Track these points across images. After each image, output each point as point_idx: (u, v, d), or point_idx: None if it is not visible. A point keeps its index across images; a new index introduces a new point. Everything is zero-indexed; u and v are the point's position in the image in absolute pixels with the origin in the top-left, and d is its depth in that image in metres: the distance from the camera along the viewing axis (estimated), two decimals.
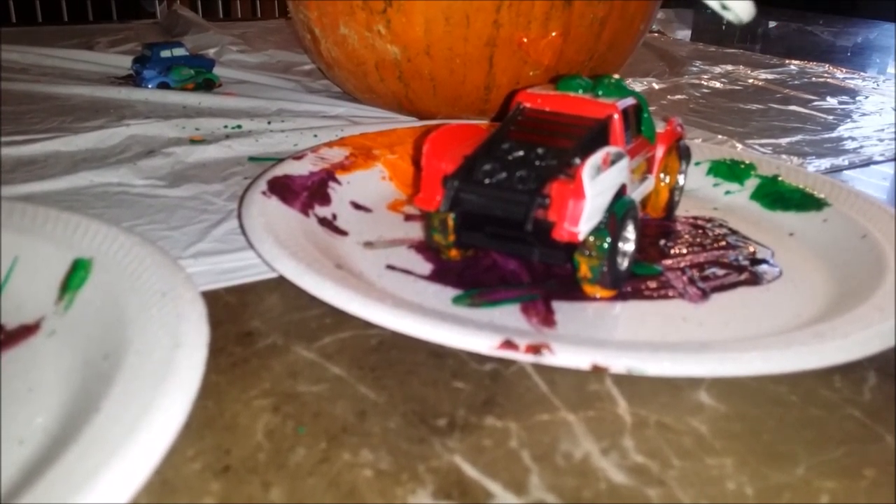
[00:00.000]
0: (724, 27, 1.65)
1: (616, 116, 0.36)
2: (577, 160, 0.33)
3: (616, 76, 0.39)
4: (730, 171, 0.48)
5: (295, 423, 0.25)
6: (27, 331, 0.29)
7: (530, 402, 0.27)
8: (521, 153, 0.34)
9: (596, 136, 0.35)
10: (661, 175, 0.42)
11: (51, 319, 0.29)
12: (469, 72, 0.55)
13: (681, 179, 0.44)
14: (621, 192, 0.34)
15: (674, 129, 0.42)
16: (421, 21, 0.53)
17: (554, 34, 0.53)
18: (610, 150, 0.33)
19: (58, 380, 0.26)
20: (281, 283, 0.33)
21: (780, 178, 0.46)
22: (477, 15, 0.52)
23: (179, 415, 0.21)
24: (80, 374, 0.25)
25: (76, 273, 0.30)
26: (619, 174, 0.33)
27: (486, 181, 0.33)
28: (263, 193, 0.38)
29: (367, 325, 0.29)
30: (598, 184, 0.31)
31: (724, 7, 0.38)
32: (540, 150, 0.34)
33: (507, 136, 0.35)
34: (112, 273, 0.30)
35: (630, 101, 0.38)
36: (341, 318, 0.31)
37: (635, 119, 0.39)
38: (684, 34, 1.48)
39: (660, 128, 0.41)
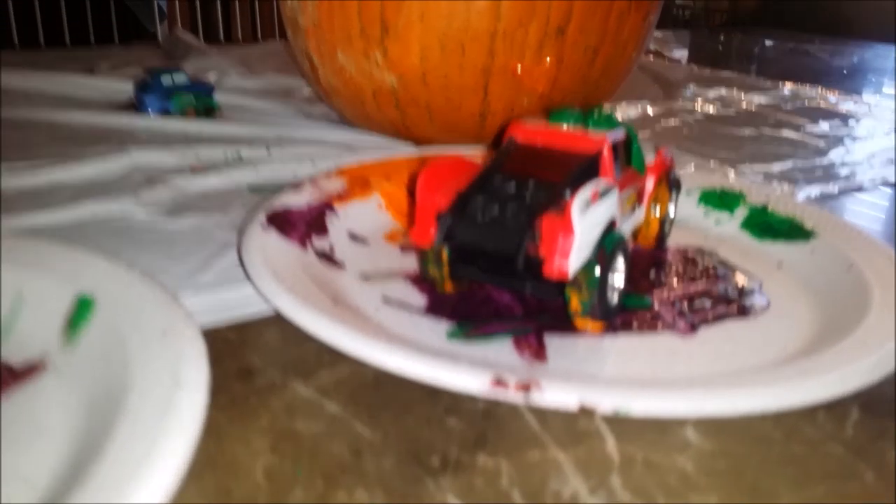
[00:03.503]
0: (720, 47, 1.66)
1: (605, 150, 0.37)
2: (568, 195, 0.34)
3: (606, 108, 0.40)
4: (720, 200, 0.48)
5: (293, 462, 0.26)
6: (33, 369, 0.29)
7: (521, 439, 0.28)
8: (512, 188, 0.35)
9: (586, 169, 0.36)
10: (652, 206, 0.43)
11: (56, 357, 0.30)
12: (464, 99, 0.56)
13: (671, 210, 0.44)
14: (611, 226, 0.35)
15: (663, 160, 0.43)
16: (417, 50, 0.54)
17: (548, 62, 0.55)
18: (599, 184, 0.34)
19: (63, 419, 0.26)
20: (280, 317, 0.34)
21: (769, 208, 0.46)
22: (472, 44, 0.53)
23: (182, 459, 0.22)
24: (85, 413, 0.26)
25: (80, 310, 0.31)
26: (608, 208, 0.34)
27: (479, 216, 0.34)
28: (262, 227, 0.39)
29: (364, 361, 0.30)
30: (587, 219, 0.32)
31: None
32: (531, 185, 0.34)
33: (500, 170, 0.36)
34: (115, 311, 0.30)
35: (620, 133, 0.39)
36: (338, 354, 0.31)
37: (625, 151, 0.39)
38: (681, 53, 1.49)
39: (650, 159, 0.42)
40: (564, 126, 0.38)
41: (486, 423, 0.28)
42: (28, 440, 0.26)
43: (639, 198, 0.41)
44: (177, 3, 1.62)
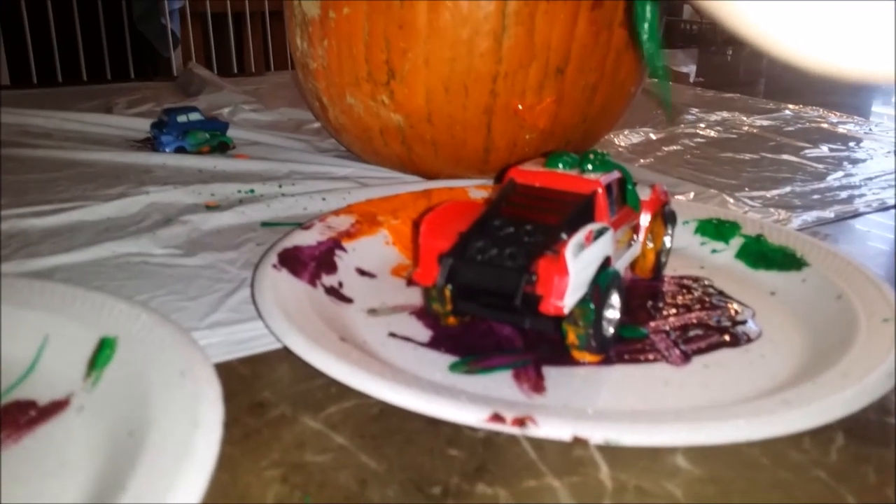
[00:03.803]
0: (728, 60, 1.69)
1: (600, 191, 0.38)
2: (564, 236, 0.35)
3: (602, 151, 0.41)
4: (716, 230, 0.50)
5: (302, 493, 0.28)
6: (58, 406, 0.31)
7: (519, 468, 0.29)
8: (511, 230, 0.36)
9: (582, 210, 0.38)
10: (648, 239, 0.44)
11: (80, 396, 0.32)
12: (469, 137, 0.58)
13: (667, 242, 0.46)
14: (606, 263, 0.36)
15: (658, 196, 0.45)
16: (422, 92, 0.56)
17: (548, 100, 0.57)
18: (593, 227, 0.36)
19: (87, 455, 0.28)
20: (290, 353, 0.35)
21: (763, 238, 0.48)
22: (475, 85, 0.55)
23: (198, 493, 0.24)
24: (108, 449, 0.28)
25: (103, 351, 0.33)
26: (602, 248, 0.36)
27: (479, 258, 0.35)
28: (274, 266, 0.41)
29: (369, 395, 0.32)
30: (581, 260, 0.34)
31: None
32: (528, 227, 0.36)
33: (499, 212, 0.38)
34: (135, 352, 0.32)
35: (614, 175, 0.41)
36: (345, 387, 0.33)
37: (620, 191, 0.41)
38: (689, 69, 1.52)
39: (645, 195, 0.44)
40: (560, 169, 0.40)
41: (485, 452, 0.30)
42: (53, 475, 0.28)
43: (634, 233, 0.43)
44: (191, 36, 1.66)
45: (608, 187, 0.39)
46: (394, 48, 0.55)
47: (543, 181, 0.40)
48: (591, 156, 0.41)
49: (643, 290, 0.45)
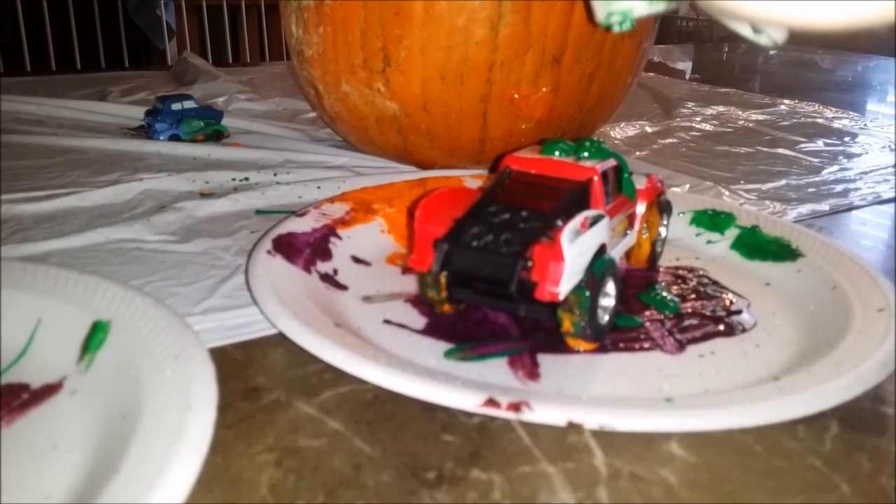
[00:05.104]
0: (724, 57, 1.69)
1: (596, 179, 0.38)
2: (559, 223, 0.35)
3: (598, 139, 0.41)
4: (711, 221, 0.50)
5: (296, 476, 0.27)
6: (51, 389, 0.31)
7: (513, 454, 0.29)
8: (506, 216, 0.36)
9: (577, 198, 0.38)
10: (643, 228, 0.44)
11: (72, 379, 0.31)
12: (464, 126, 0.58)
13: (662, 232, 0.46)
14: (601, 251, 0.36)
15: (654, 185, 0.45)
16: (418, 80, 0.56)
17: (544, 90, 0.56)
18: (589, 213, 0.35)
19: (80, 437, 0.28)
20: (284, 339, 0.35)
21: (758, 229, 0.48)
22: (471, 74, 0.55)
23: (191, 475, 0.24)
24: (101, 432, 0.28)
25: (96, 334, 0.33)
26: (598, 235, 0.36)
27: (474, 244, 0.35)
28: (268, 252, 0.41)
29: (364, 380, 0.32)
30: (576, 246, 0.34)
31: (757, 31, 0.37)
32: (524, 213, 0.36)
33: (495, 198, 0.38)
34: (129, 335, 0.32)
35: (610, 163, 0.40)
36: (340, 373, 0.33)
37: (616, 179, 0.41)
38: (685, 65, 1.52)
39: (641, 184, 0.44)
40: (557, 156, 0.40)
41: (480, 438, 0.30)
42: (45, 458, 0.27)
43: (630, 222, 0.43)
44: (186, 25, 1.66)
45: (604, 175, 0.39)
46: (390, 35, 0.54)
47: (539, 168, 0.40)
48: (587, 143, 0.41)
49: (639, 280, 0.44)
